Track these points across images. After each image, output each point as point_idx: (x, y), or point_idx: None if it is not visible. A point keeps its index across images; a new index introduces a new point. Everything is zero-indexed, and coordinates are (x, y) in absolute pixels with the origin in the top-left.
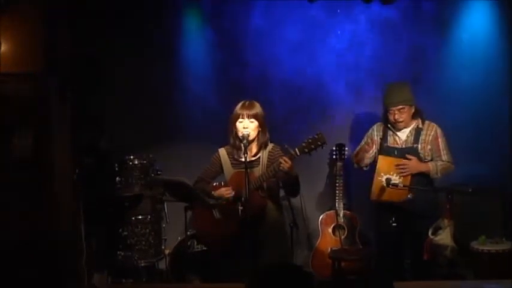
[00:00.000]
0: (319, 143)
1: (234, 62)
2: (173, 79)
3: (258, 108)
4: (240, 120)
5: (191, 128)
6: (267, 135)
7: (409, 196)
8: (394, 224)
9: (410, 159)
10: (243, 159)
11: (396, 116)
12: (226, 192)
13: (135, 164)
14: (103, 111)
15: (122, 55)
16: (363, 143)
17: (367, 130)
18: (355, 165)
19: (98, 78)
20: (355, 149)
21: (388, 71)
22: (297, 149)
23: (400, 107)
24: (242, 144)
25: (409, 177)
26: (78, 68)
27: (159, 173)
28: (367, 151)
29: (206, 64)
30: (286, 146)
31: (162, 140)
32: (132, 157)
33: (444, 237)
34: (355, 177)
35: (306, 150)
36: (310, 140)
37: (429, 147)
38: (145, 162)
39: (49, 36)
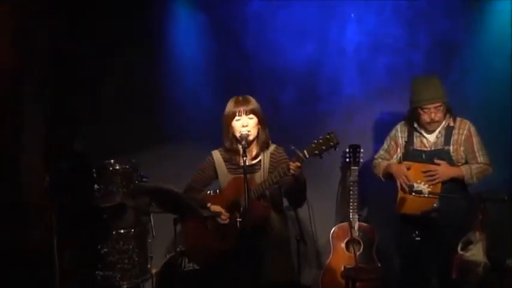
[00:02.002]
0: (331, 143)
1: (231, 53)
2: (162, 73)
3: (254, 103)
4: (236, 118)
5: (182, 128)
6: (268, 133)
7: (434, 205)
8: (418, 238)
9: (439, 164)
10: (242, 163)
11: (433, 115)
12: (223, 216)
13: (117, 170)
14: (81, 111)
15: (105, 48)
16: (385, 146)
17: (388, 130)
18: (377, 176)
19: (78, 73)
20: (377, 152)
21: (410, 64)
22: (305, 151)
23: (437, 104)
24: (241, 146)
25: (439, 185)
26: (57, 63)
27: (144, 179)
28: (391, 156)
29: (199, 56)
30: (293, 147)
31: (148, 142)
32: (112, 161)
33: (476, 252)
34: (372, 184)
35: (317, 152)
36: (321, 141)
37: (462, 148)
38: (128, 167)
39: (24, 31)
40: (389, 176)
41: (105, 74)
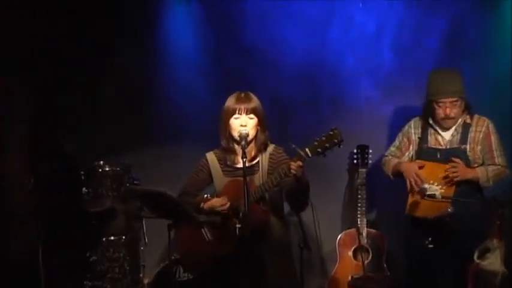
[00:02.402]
0: (335, 140)
1: (230, 45)
2: (155, 68)
3: (256, 101)
4: (235, 116)
5: (178, 127)
6: (267, 134)
7: (448, 210)
8: (430, 246)
9: (458, 163)
10: (240, 165)
11: (448, 111)
12: (221, 203)
13: (106, 172)
14: (70, 110)
15: (94, 42)
16: (397, 142)
17: (400, 128)
18: (386, 174)
19: (67, 72)
20: (387, 150)
21: (424, 55)
22: (307, 149)
23: (453, 99)
24: (240, 146)
25: (453, 187)
26: (43, 60)
27: (136, 182)
28: (403, 154)
29: (195, 49)
30: (293, 145)
31: (141, 142)
32: (102, 163)
33: (493, 261)
34: (382, 187)
35: (320, 150)
36: (324, 138)
37: (479, 147)
38: (118, 169)
39: (9, 26)
40: (399, 175)
41: (96, 72)
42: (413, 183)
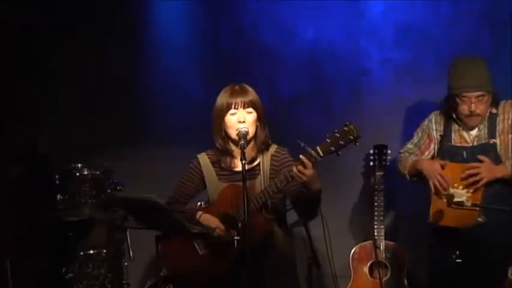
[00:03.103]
0: (350, 137)
1: (225, 31)
2: (140, 59)
3: (254, 94)
4: (231, 111)
5: (167, 126)
6: (268, 132)
7: (479, 219)
8: (458, 260)
9: (482, 161)
10: (237, 168)
11: (473, 107)
12: (216, 226)
13: (85, 176)
14: (40, 104)
15: (69, 28)
16: (415, 139)
17: (420, 122)
18: (402, 173)
19: (35, 59)
20: (403, 147)
21: (448, 42)
22: (319, 148)
23: (479, 93)
24: (239, 146)
25: (481, 190)
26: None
27: (118, 188)
28: (422, 152)
29: (186, 36)
30: (303, 144)
31: (125, 142)
32: (79, 166)
33: None
34: (403, 192)
35: (333, 148)
36: (337, 134)
37: (510, 135)
38: (98, 173)
39: None
40: (418, 175)
41: (73, 61)
42: (438, 186)
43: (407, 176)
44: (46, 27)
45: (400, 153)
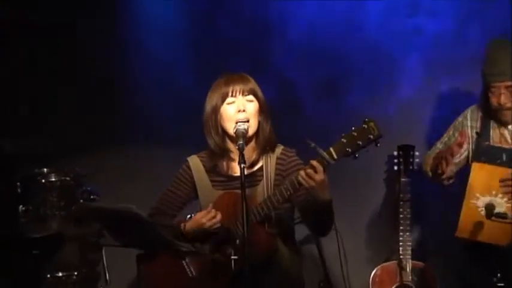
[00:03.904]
0: (370, 136)
1: (221, 15)
2: (119, 46)
3: (254, 83)
4: (229, 100)
5: (150, 124)
6: (272, 129)
7: None
8: (500, 284)
9: None
10: (236, 173)
11: (502, 98)
12: (208, 217)
13: (52, 183)
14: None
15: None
16: (445, 138)
17: (453, 119)
18: (429, 177)
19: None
20: (431, 148)
21: (485, 24)
22: (332, 149)
23: (508, 83)
24: (237, 146)
25: None
26: None
27: (93, 197)
28: (455, 152)
29: (176, 20)
30: (313, 144)
31: (99, 143)
32: (46, 171)
33: None
34: (434, 202)
35: (349, 150)
36: (354, 133)
37: None
38: (68, 179)
39: None
40: (437, 172)
41: (42, 49)
42: (443, 165)
43: (429, 173)
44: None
45: (428, 153)
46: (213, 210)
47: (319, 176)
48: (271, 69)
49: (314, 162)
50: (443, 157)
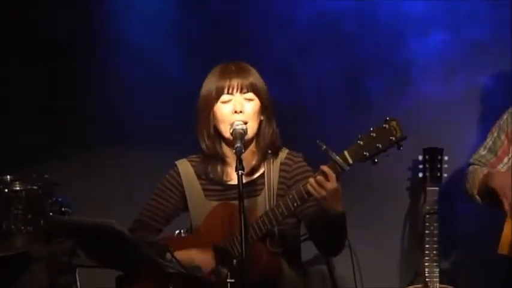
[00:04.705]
0: (392, 138)
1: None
2: (94, 32)
3: (255, 75)
4: (223, 98)
5: (131, 123)
6: (276, 130)
7: None
8: None
9: None
10: (233, 181)
11: None
12: (204, 262)
13: (16, 192)
14: None
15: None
16: (489, 142)
17: (495, 121)
18: (470, 194)
19: None
20: (473, 155)
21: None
22: (347, 153)
23: None
24: (234, 150)
25: None
26: None
27: (65, 210)
28: (499, 159)
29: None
30: (324, 146)
31: (72, 146)
32: (9, 178)
33: None
34: (465, 214)
35: (366, 153)
36: (373, 134)
37: None
38: (35, 188)
39: None
40: (491, 197)
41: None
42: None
43: (477, 197)
44: None
45: (470, 164)
46: (211, 257)
47: (332, 185)
48: (275, 61)
49: (325, 168)
50: (503, 194)
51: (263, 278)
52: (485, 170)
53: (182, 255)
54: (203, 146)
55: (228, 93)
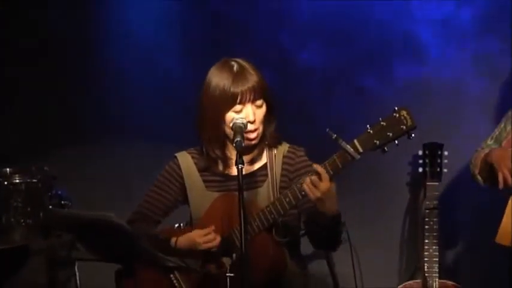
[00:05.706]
0: (402, 127)
1: None
2: (91, 24)
3: (258, 74)
4: (236, 108)
5: (129, 116)
6: (275, 125)
7: None
8: None
9: None
10: (234, 172)
11: None
12: (204, 239)
13: (16, 185)
14: None
15: None
16: (496, 132)
17: (500, 115)
18: (473, 174)
19: None
20: (476, 149)
21: None
22: (357, 142)
23: None
24: (234, 144)
25: None
26: None
27: (64, 203)
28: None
29: None
30: (335, 135)
31: (71, 139)
32: (8, 171)
33: None
34: (465, 208)
35: (377, 142)
36: (384, 123)
37: None
38: (35, 181)
39: None
40: (490, 174)
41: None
42: (506, 176)
43: (479, 177)
44: None
45: (476, 151)
46: (213, 233)
47: (325, 184)
48: (274, 52)
49: (318, 168)
50: (504, 165)
51: (267, 272)
52: (486, 150)
53: (183, 240)
54: (209, 151)
55: (241, 103)
